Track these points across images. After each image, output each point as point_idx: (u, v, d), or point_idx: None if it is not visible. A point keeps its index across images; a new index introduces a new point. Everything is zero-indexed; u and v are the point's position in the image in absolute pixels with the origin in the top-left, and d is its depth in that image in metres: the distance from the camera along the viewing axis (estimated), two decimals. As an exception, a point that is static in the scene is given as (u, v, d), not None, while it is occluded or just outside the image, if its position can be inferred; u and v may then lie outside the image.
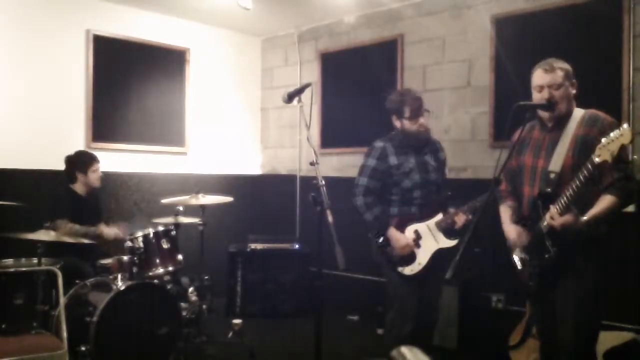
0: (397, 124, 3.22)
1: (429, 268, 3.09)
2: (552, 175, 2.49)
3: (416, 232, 3.12)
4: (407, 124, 3.14)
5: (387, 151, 3.17)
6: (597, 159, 2.23)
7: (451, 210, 3.10)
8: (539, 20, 4.22)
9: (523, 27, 4.30)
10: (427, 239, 3.12)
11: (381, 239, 3.15)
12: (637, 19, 3.80)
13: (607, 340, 3.26)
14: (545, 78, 2.53)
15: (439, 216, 3.12)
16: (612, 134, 2.21)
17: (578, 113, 2.55)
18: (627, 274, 3.58)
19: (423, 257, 3.10)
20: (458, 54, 4.74)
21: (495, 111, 4.47)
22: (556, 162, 2.50)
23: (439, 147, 3.36)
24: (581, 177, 2.30)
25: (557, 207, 2.38)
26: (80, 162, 4.19)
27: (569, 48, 4.00)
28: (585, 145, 2.43)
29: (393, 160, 3.15)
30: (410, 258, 3.11)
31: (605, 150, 2.21)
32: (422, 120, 3.15)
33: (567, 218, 2.35)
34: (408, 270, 3.11)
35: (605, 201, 2.38)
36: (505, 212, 2.78)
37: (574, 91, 2.58)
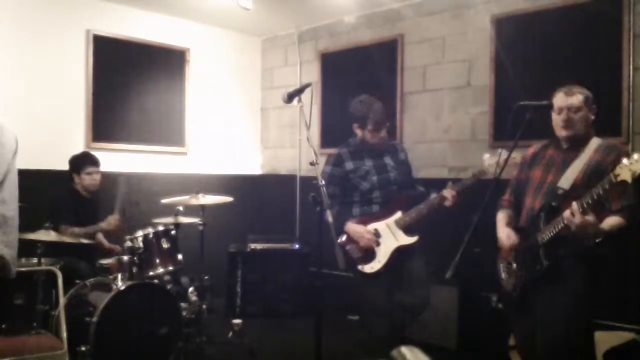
0: (357, 131, 3.34)
1: (390, 266, 3.18)
2: (560, 191, 2.52)
3: (375, 230, 3.22)
4: (369, 136, 3.28)
5: (342, 157, 3.34)
6: (617, 178, 2.23)
7: (422, 205, 3.22)
8: (539, 20, 4.21)
9: (523, 27, 4.30)
10: (386, 237, 3.21)
11: (342, 237, 3.25)
12: (637, 19, 3.80)
13: (607, 340, 3.26)
14: (566, 101, 2.57)
15: (398, 214, 3.23)
16: (635, 156, 2.21)
17: (596, 141, 2.59)
18: (627, 275, 3.58)
19: (383, 254, 3.19)
20: (458, 54, 4.74)
21: (495, 111, 4.47)
22: (567, 180, 2.53)
23: (398, 149, 3.47)
24: (600, 190, 2.30)
25: (581, 205, 2.35)
26: (76, 163, 4.20)
27: (569, 48, 4.01)
28: (597, 170, 2.47)
29: (349, 165, 3.31)
30: (370, 256, 3.20)
31: (626, 169, 2.20)
32: (383, 133, 3.28)
33: (589, 218, 2.33)
34: (368, 268, 3.20)
35: (615, 220, 2.42)
36: (501, 219, 2.81)
37: (592, 117, 2.61)
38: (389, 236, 3.21)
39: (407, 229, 3.22)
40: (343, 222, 3.23)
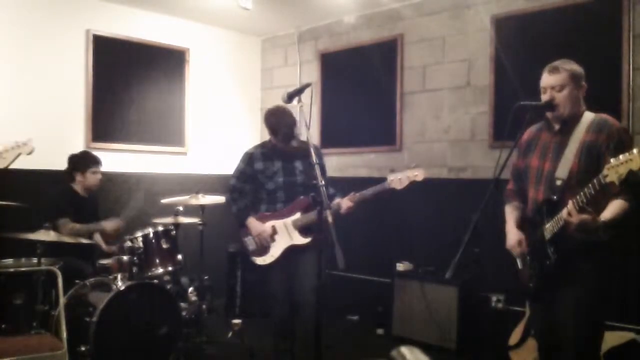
0: (270, 137, 3.55)
1: (281, 261, 3.43)
2: (559, 182, 2.47)
3: (273, 227, 3.45)
4: (280, 144, 3.49)
5: (253, 158, 3.56)
6: (606, 179, 2.19)
7: (336, 202, 3.34)
8: (539, 20, 4.22)
9: (523, 27, 4.31)
10: (282, 235, 3.44)
11: (242, 230, 3.53)
12: (637, 19, 3.81)
13: (607, 340, 3.25)
14: (549, 79, 2.52)
15: (297, 215, 3.42)
16: (621, 157, 2.14)
17: (587, 117, 2.51)
18: (627, 275, 3.58)
19: (276, 250, 3.44)
20: (458, 54, 4.74)
21: (495, 111, 4.47)
22: (563, 169, 2.47)
23: (312, 152, 3.26)
24: (592, 190, 2.26)
25: (575, 203, 2.32)
26: (81, 162, 4.19)
27: (569, 48, 4.00)
28: (591, 152, 2.42)
29: (259, 165, 3.53)
30: (264, 250, 3.46)
31: (613, 171, 2.15)
32: (294, 143, 3.49)
33: (586, 216, 2.30)
34: (260, 260, 3.48)
35: (617, 205, 2.34)
36: (511, 214, 2.76)
37: (582, 93, 2.55)
38: (285, 234, 3.43)
39: (303, 230, 3.40)
40: (247, 216, 3.50)
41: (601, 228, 2.33)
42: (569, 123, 2.53)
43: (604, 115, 2.52)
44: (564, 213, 2.36)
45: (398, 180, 3.24)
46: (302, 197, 3.45)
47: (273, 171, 3.51)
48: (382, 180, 3.28)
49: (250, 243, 3.51)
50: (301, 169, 3.52)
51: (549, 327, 2.59)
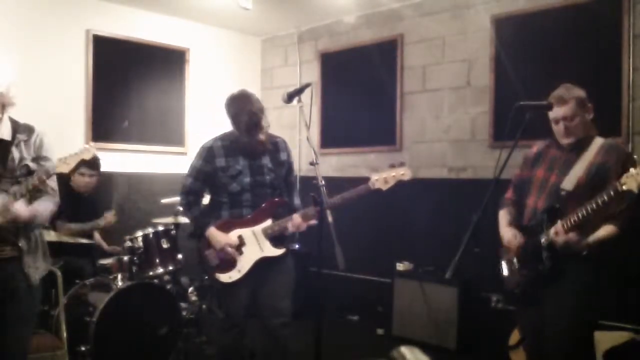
0: (233, 130, 2.96)
1: (250, 277, 2.87)
2: (563, 193, 2.52)
3: (240, 237, 2.89)
4: (242, 137, 2.88)
5: (214, 152, 2.95)
6: (623, 187, 2.22)
7: (303, 211, 2.87)
8: (539, 20, 4.22)
9: (523, 27, 4.30)
10: (251, 246, 2.89)
11: (200, 241, 2.95)
12: (637, 19, 3.80)
13: (607, 340, 3.27)
14: (558, 112, 2.55)
15: (268, 222, 2.90)
16: None
17: (598, 141, 2.57)
18: (626, 275, 3.58)
19: (244, 264, 2.87)
20: (458, 54, 4.74)
21: (495, 111, 4.47)
22: (570, 181, 2.52)
23: (280, 147, 3.07)
24: (599, 201, 2.30)
25: (565, 224, 2.40)
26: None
27: (569, 48, 4.01)
28: (600, 171, 2.47)
29: (220, 162, 2.93)
30: (229, 264, 2.88)
31: (632, 179, 2.18)
32: (261, 136, 2.87)
33: (572, 237, 2.39)
34: (226, 277, 2.87)
35: (607, 230, 2.42)
36: (503, 217, 2.81)
37: (590, 116, 2.59)
38: (254, 245, 2.88)
39: (274, 239, 2.87)
40: (207, 225, 2.91)
41: (585, 250, 2.41)
42: (581, 144, 2.58)
43: (613, 141, 2.60)
44: (551, 232, 2.43)
45: (383, 179, 2.79)
46: (273, 198, 2.96)
47: (237, 170, 2.92)
48: (366, 180, 2.87)
49: (212, 258, 2.91)
50: (270, 166, 2.96)
51: (536, 331, 2.60)
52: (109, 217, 4.18)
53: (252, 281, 2.90)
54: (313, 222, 2.82)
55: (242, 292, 2.91)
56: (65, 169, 2.39)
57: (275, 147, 3.05)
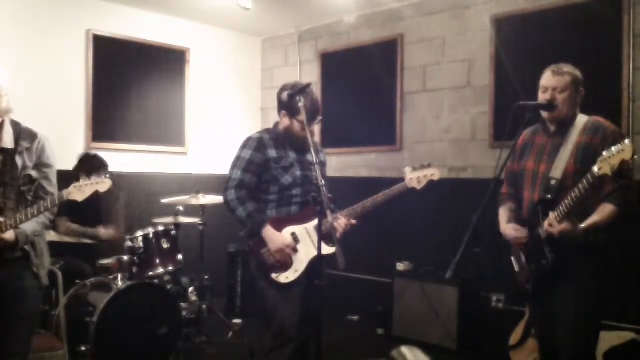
0: (284, 120, 2.85)
1: (306, 277, 2.72)
2: (553, 182, 2.50)
3: (294, 235, 2.75)
4: (297, 127, 2.78)
5: (265, 142, 2.81)
6: (597, 171, 2.23)
7: (332, 215, 2.67)
8: (539, 20, 4.22)
9: (523, 27, 4.31)
10: (305, 244, 2.74)
11: (254, 240, 2.77)
12: (637, 19, 3.81)
13: (607, 340, 3.27)
14: (552, 80, 2.54)
15: (316, 220, 2.65)
16: (613, 148, 2.19)
17: (581, 120, 2.55)
18: (627, 274, 3.58)
19: (300, 263, 2.72)
20: (458, 54, 4.74)
21: (495, 111, 4.47)
22: (558, 169, 2.50)
23: (319, 148, 3.05)
24: (581, 187, 2.30)
25: (557, 214, 2.38)
26: (92, 166, 3.99)
27: (569, 48, 4.01)
28: (587, 153, 2.44)
29: (272, 152, 2.79)
30: (286, 264, 2.72)
31: (606, 163, 2.20)
32: (314, 128, 2.82)
33: (565, 226, 2.36)
34: (283, 277, 2.71)
35: (605, 210, 2.39)
36: (503, 214, 2.79)
37: (579, 98, 2.58)
38: (308, 243, 2.74)
39: (327, 237, 2.64)
40: (264, 223, 2.72)
41: (582, 235, 2.37)
42: (565, 125, 2.55)
43: (598, 118, 2.56)
44: (545, 225, 2.41)
45: (417, 179, 2.81)
46: (319, 197, 2.62)
47: (289, 162, 2.79)
48: (384, 180, 2.91)
49: (268, 256, 2.74)
50: (316, 163, 2.68)
51: (549, 327, 2.59)
52: (111, 232, 4.15)
53: (307, 281, 2.72)
54: (354, 222, 2.80)
55: (297, 293, 2.72)
56: (79, 197, 2.39)
57: (317, 146, 2.97)
